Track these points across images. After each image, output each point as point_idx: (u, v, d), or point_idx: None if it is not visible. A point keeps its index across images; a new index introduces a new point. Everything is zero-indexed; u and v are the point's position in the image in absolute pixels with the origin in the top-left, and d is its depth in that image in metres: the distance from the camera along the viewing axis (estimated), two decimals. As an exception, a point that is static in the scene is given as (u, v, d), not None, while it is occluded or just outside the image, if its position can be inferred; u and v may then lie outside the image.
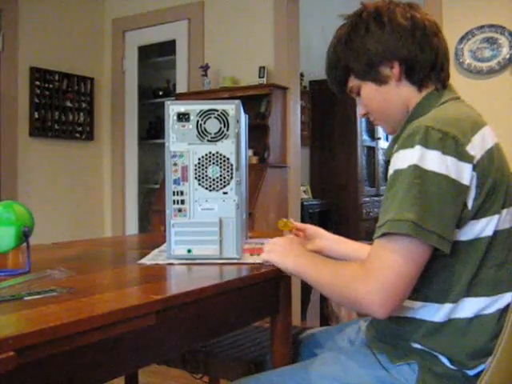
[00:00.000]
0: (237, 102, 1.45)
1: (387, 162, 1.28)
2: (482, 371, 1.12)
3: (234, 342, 1.86)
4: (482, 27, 3.60)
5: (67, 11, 4.90)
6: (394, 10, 1.29)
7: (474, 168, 1.10)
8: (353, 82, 1.35)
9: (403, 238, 1.06)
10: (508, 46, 3.52)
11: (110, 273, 1.39)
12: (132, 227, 5.16)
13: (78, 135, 4.96)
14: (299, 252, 1.35)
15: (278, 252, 1.36)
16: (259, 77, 4.21)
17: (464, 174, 1.09)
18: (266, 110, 4.12)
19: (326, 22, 6.19)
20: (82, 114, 4.99)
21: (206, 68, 4.42)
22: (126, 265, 1.58)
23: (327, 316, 2.08)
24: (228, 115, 1.44)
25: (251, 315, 1.45)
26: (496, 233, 1.15)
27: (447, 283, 1.15)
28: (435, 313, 1.17)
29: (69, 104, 4.87)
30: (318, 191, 5.95)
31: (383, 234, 1.09)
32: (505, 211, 1.16)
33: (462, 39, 3.65)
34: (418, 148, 1.09)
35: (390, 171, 1.14)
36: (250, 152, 4.04)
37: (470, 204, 1.11)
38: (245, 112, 1.64)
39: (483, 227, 1.14)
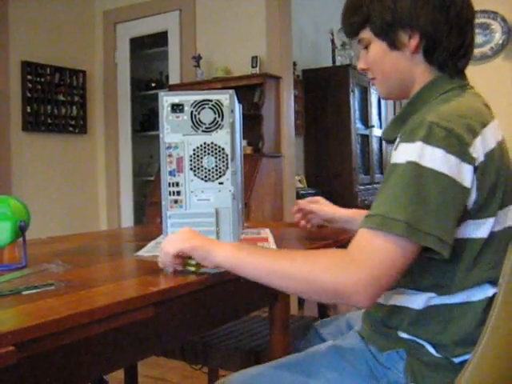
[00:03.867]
0: (231, 91, 1.45)
1: (388, 142, 1.27)
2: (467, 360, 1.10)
3: (233, 332, 1.86)
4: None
5: (57, 4, 4.86)
6: None
7: (475, 170, 1.06)
8: (366, 34, 1.25)
9: (397, 235, 1.01)
10: (501, 31, 3.52)
11: (107, 266, 1.39)
12: (127, 220, 5.16)
13: (71, 129, 4.95)
14: (224, 243, 1.21)
15: (194, 241, 1.16)
16: (252, 66, 4.20)
17: (466, 175, 1.05)
18: (260, 100, 4.12)
19: (317, 10, 6.17)
20: (74, 107, 4.97)
21: (198, 59, 4.41)
22: (122, 257, 1.58)
23: (324, 305, 2.08)
24: (222, 105, 1.43)
25: (249, 305, 1.45)
26: (492, 234, 1.12)
27: (437, 279, 1.14)
28: (420, 300, 1.16)
29: (61, 98, 4.85)
30: (312, 180, 5.95)
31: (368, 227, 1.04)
32: (501, 212, 1.13)
33: (454, 25, 3.64)
34: (419, 144, 1.04)
35: (391, 162, 1.10)
36: (244, 142, 4.03)
37: (469, 206, 1.08)
38: (238, 102, 1.64)
39: (479, 228, 1.11)
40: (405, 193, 1.02)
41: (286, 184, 4.30)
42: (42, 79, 4.70)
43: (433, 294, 1.14)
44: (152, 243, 1.64)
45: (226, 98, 1.44)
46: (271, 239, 1.66)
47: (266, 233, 1.85)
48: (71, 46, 5.01)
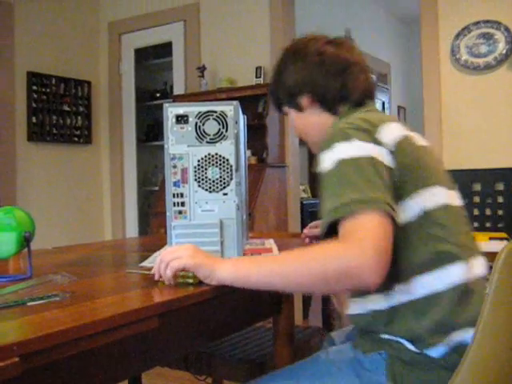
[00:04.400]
0: (235, 103, 1.45)
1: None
2: (445, 353, 1.14)
3: (238, 343, 1.86)
4: (477, 23, 3.60)
5: (63, 15, 4.90)
6: (311, 45, 1.46)
7: (390, 153, 1.19)
8: (284, 108, 1.55)
9: (365, 214, 1.07)
10: (504, 41, 3.52)
11: (111, 276, 1.39)
12: (132, 230, 5.16)
13: (76, 139, 4.97)
14: (226, 260, 1.24)
15: (197, 260, 1.18)
16: (256, 77, 4.21)
17: (384, 156, 1.17)
18: (264, 110, 4.13)
19: (321, 21, 6.19)
20: (79, 117, 4.99)
21: (202, 69, 4.42)
22: (127, 268, 1.58)
23: (329, 315, 2.08)
24: (226, 116, 1.44)
25: (253, 316, 1.45)
26: (426, 212, 1.19)
27: (396, 267, 1.17)
28: (392, 299, 1.20)
29: (66, 108, 4.88)
30: (317, 190, 5.95)
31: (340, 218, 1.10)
32: (427, 191, 1.21)
33: (458, 35, 3.65)
34: (337, 145, 1.18)
35: (322, 172, 1.21)
36: (249, 152, 4.04)
37: (395, 185, 1.17)
38: (242, 112, 1.65)
39: (412, 208, 1.19)
40: (341, 182, 1.14)
41: (290, 194, 4.30)
42: (48, 89, 4.72)
43: (402, 288, 1.19)
44: (156, 254, 1.64)
45: (230, 109, 1.44)
46: (275, 250, 1.66)
47: (271, 243, 1.85)
48: (76, 56, 5.04)
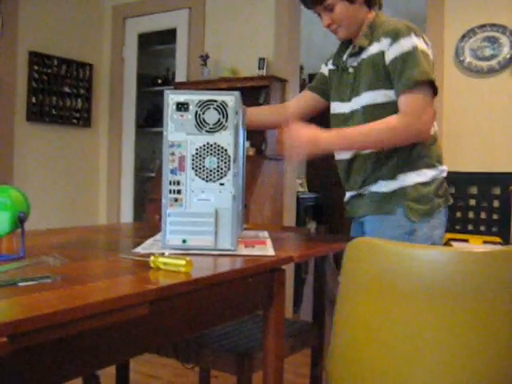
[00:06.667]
0: (236, 93, 1.45)
1: (360, 49, 1.89)
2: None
3: (228, 333, 1.86)
4: (483, 26, 3.60)
5: (68, -4, 4.87)
6: None
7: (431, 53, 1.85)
8: (330, 1, 1.83)
9: (427, 86, 1.76)
10: (509, 45, 3.51)
11: (104, 261, 1.39)
12: (127, 215, 5.16)
13: (75, 121, 4.95)
14: (321, 132, 1.80)
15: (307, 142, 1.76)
16: (259, 68, 4.20)
17: (431, 55, 1.83)
18: (265, 102, 4.11)
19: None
20: (79, 100, 4.97)
21: (205, 58, 4.41)
22: (120, 253, 1.57)
23: (321, 311, 2.08)
24: (227, 106, 1.43)
25: (244, 307, 1.45)
26: None
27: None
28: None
29: (67, 90, 4.86)
30: (314, 185, 5.95)
31: (415, 85, 1.73)
32: None
33: (463, 37, 3.65)
34: (412, 35, 1.76)
35: (399, 50, 1.75)
36: (248, 143, 4.03)
37: None
38: (243, 103, 1.64)
39: None
40: (422, 61, 1.75)
41: (286, 187, 4.30)
42: (49, 70, 4.70)
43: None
44: (150, 240, 1.64)
45: (231, 99, 1.44)
46: (269, 242, 1.66)
47: (265, 235, 1.85)
48: (79, 38, 5.01)
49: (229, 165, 1.44)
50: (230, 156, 1.43)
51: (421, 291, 1.19)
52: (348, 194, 2.01)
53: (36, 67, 4.59)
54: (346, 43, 1.99)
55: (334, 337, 1.40)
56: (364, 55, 1.86)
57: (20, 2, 4.49)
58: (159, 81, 5.48)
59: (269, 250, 1.50)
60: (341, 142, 1.80)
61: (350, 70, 1.92)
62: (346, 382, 1.35)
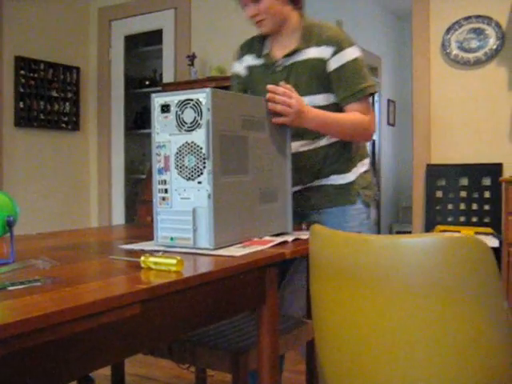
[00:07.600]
0: (208, 89, 1.44)
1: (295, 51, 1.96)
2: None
3: (222, 332, 1.86)
4: (469, 18, 3.61)
5: (53, 0, 4.84)
6: None
7: None
8: None
9: (370, 96, 1.96)
10: (495, 36, 3.53)
11: (94, 262, 1.38)
12: (118, 217, 5.14)
13: (63, 125, 4.93)
14: (311, 110, 1.82)
15: (298, 115, 1.75)
16: (246, 67, 4.19)
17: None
18: (253, 100, 4.10)
19: (313, 12, 6.17)
20: (67, 103, 4.95)
21: (192, 58, 4.40)
22: (111, 255, 1.57)
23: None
24: (201, 104, 1.43)
25: (237, 306, 1.44)
26: None
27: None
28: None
29: (54, 94, 4.83)
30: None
31: (364, 96, 1.92)
32: None
33: (449, 30, 3.66)
34: (354, 46, 1.92)
35: (342, 60, 1.88)
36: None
37: None
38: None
39: None
40: (365, 71, 1.93)
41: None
42: (36, 75, 4.68)
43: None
44: (141, 245, 1.63)
45: (203, 96, 1.43)
46: (274, 243, 1.65)
47: (295, 236, 1.83)
48: (65, 42, 4.99)
49: (204, 163, 1.43)
50: (204, 154, 1.43)
51: (380, 282, 1.15)
52: (295, 188, 1.95)
53: (23, 72, 4.57)
54: (260, 39, 2.11)
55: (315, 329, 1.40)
56: (298, 57, 1.94)
57: (5, 6, 4.47)
58: (147, 82, 5.47)
59: (240, 251, 1.44)
60: (319, 123, 1.85)
61: (279, 68, 1.99)
62: (330, 376, 1.34)
